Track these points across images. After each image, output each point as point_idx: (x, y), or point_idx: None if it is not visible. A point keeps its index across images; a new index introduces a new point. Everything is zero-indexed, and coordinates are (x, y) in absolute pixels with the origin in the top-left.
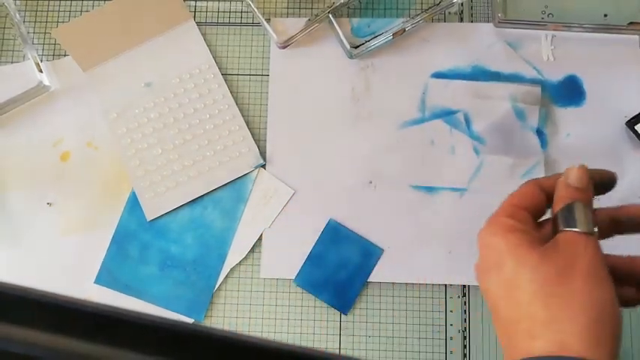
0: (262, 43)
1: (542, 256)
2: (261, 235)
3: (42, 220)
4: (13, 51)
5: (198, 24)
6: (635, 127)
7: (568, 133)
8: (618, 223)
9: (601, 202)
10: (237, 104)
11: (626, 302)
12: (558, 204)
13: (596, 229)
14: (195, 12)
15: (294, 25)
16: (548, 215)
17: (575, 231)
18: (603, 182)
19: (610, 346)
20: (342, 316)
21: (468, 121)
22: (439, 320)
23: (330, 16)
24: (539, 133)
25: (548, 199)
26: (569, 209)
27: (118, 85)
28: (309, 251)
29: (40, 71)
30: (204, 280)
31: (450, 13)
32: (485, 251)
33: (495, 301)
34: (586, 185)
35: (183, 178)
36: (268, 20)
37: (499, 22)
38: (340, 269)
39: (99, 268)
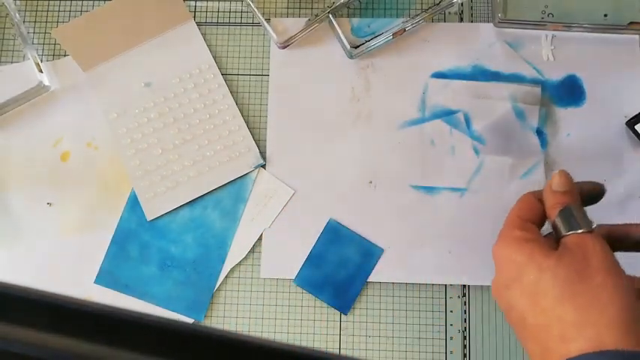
0: (262, 43)
1: (558, 260)
2: (261, 235)
3: (42, 220)
4: (13, 51)
5: (198, 24)
6: (635, 127)
7: (568, 133)
8: (617, 240)
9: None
10: (237, 104)
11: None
12: (552, 212)
13: (594, 225)
14: (195, 12)
15: (294, 25)
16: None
17: (577, 233)
18: (591, 193)
19: None
20: (342, 316)
21: (468, 121)
22: (439, 320)
23: (330, 16)
24: (539, 133)
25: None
26: (563, 214)
27: (118, 85)
28: (309, 251)
29: (40, 71)
30: (204, 280)
31: (450, 13)
32: (503, 266)
33: (521, 313)
34: (570, 188)
35: (183, 178)
36: (268, 20)
37: (499, 22)
38: (340, 269)
39: (99, 268)
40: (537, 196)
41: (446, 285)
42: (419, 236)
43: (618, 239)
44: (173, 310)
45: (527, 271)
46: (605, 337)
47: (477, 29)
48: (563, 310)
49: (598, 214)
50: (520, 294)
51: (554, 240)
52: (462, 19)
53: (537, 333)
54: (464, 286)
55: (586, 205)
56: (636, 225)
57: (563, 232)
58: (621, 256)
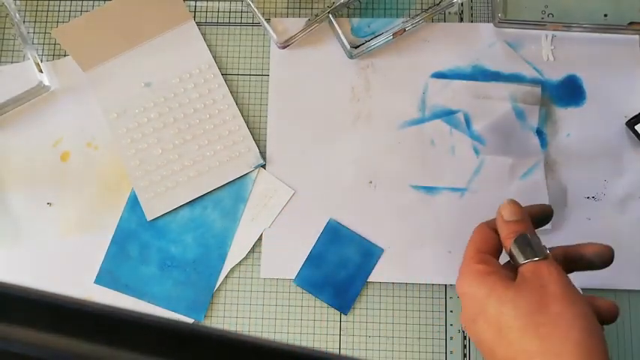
0: (262, 43)
1: (517, 291)
2: (261, 235)
3: (42, 220)
4: (13, 51)
5: (198, 24)
6: (635, 127)
7: (568, 133)
8: (572, 261)
9: (602, 202)
10: (237, 104)
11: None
12: (507, 242)
13: (548, 251)
14: (195, 12)
15: (294, 25)
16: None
17: (534, 261)
18: (541, 216)
19: (604, 355)
20: (342, 316)
21: (468, 121)
22: (439, 320)
23: (330, 16)
24: (539, 133)
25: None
26: (518, 243)
27: (118, 85)
28: (309, 251)
29: (40, 71)
30: (204, 280)
31: (450, 13)
32: (467, 301)
33: (490, 346)
34: (522, 216)
35: (183, 178)
36: (268, 20)
37: (499, 22)
38: (340, 269)
39: (99, 268)
40: (492, 226)
41: (446, 285)
42: (419, 236)
43: (573, 260)
44: (173, 310)
45: (490, 304)
46: None
47: (477, 29)
48: (528, 342)
49: (598, 214)
50: (486, 328)
51: (512, 269)
52: (462, 19)
53: None
54: None
55: (537, 228)
56: (587, 245)
57: (520, 261)
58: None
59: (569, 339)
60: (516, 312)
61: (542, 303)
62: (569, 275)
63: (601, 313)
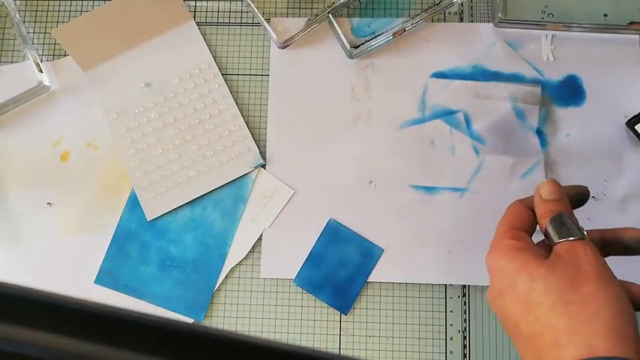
0: (262, 43)
1: (550, 268)
2: (261, 235)
3: (42, 220)
4: (13, 51)
5: (198, 24)
6: (635, 127)
7: (568, 133)
8: (608, 244)
9: (602, 202)
10: (237, 104)
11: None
12: (543, 220)
13: (585, 232)
14: (195, 12)
15: (294, 25)
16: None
17: (569, 240)
18: (577, 197)
19: (634, 339)
20: (342, 316)
21: (468, 121)
22: (439, 320)
23: (330, 16)
24: (539, 133)
25: (535, 215)
26: (555, 222)
27: (118, 85)
28: (309, 251)
29: (40, 71)
30: (204, 280)
31: (450, 13)
32: (497, 275)
33: (515, 322)
34: (560, 196)
35: (183, 178)
36: (268, 20)
37: (499, 22)
38: (340, 269)
39: (99, 268)
40: (526, 204)
41: (446, 285)
42: (419, 236)
43: (609, 244)
44: (173, 310)
45: (520, 280)
46: (597, 344)
47: (477, 29)
48: (556, 318)
49: (598, 214)
50: (513, 303)
51: (546, 248)
52: (462, 19)
53: (531, 340)
54: (464, 286)
55: (574, 209)
56: (626, 229)
57: (555, 239)
58: (620, 260)
59: (599, 319)
60: (547, 288)
61: (575, 282)
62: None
63: (635, 299)
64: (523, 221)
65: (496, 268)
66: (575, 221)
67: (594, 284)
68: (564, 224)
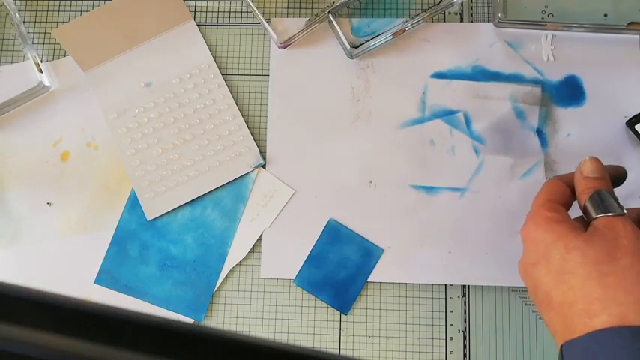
0: (262, 43)
1: (587, 240)
2: (261, 235)
3: (42, 220)
4: (13, 51)
5: (198, 24)
6: (635, 127)
7: (568, 133)
8: None
9: None
10: (237, 104)
11: None
12: (583, 196)
13: (624, 210)
14: (195, 12)
15: (294, 25)
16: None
17: (608, 216)
18: (614, 178)
19: None
20: (342, 316)
21: (468, 121)
22: (439, 320)
23: (330, 16)
24: (539, 133)
25: (572, 192)
26: (595, 198)
27: (118, 85)
28: (309, 251)
29: (40, 71)
30: (204, 280)
31: (450, 13)
32: (532, 245)
33: (547, 290)
34: (602, 174)
35: (183, 178)
36: (268, 20)
37: (499, 22)
38: (340, 269)
39: (99, 268)
40: (564, 181)
41: (446, 285)
42: (419, 236)
43: None
44: (173, 310)
45: (555, 249)
46: (630, 314)
47: (477, 29)
48: (590, 288)
49: None
50: (547, 271)
51: (584, 224)
52: (462, 19)
53: (562, 309)
54: (464, 286)
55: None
56: None
57: (594, 214)
58: None
59: (634, 292)
60: (583, 259)
61: (612, 254)
62: None
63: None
64: (560, 196)
65: (531, 239)
66: (615, 199)
67: (632, 257)
68: (604, 200)
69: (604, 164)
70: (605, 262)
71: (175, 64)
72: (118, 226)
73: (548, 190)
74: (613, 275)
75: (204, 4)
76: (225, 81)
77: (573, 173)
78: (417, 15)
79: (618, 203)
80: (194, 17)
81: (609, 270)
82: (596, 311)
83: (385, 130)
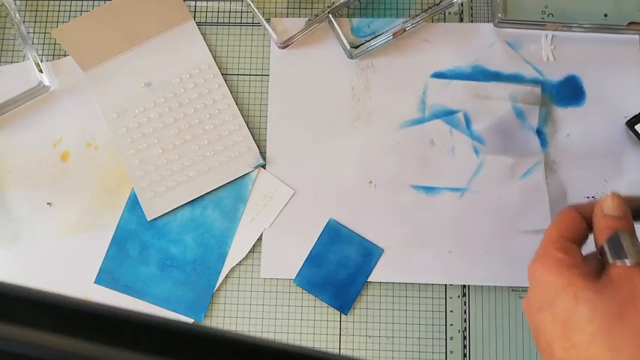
0: (262, 43)
1: (598, 293)
2: (261, 235)
3: (42, 220)
4: (13, 51)
5: (198, 24)
6: (635, 127)
7: (568, 133)
8: None
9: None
10: (237, 104)
11: None
12: (601, 236)
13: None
14: (195, 12)
15: (294, 25)
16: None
17: (626, 264)
18: (637, 210)
19: None
20: (342, 316)
21: (467, 121)
22: (439, 320)
23: (330, 16)
24: (539, 133)
25: (588, 225)
26: (613, 240)
27: (118, 85)
28: (309, 251)
29: (40, 71)
30: (204, 280)
31: (450, 13)
32: (539, 287)
33: (549, 341)
34: (624, 213)
35: (183, 178)
36: (268, 20)
37: (499, 22)
38: (340, 269)
39: (99, 268)
40: (580, 211)
41: (446, 285)
42: (419, 236)
43: None
44: (173, 310)
45: (564, 297)
46: None
47: (477, 29)
48: (596, 350)
49: None
50: (552, 319)
51: (598, 262)
52: (462, 19)
53: None
54: (464, 286)
55: (635, 221)
56: None
57: (610, 260)
58: None
59: None
60: (592, 315)
61: (626, 313)
62: None
63: None
64: (575, 231)
65: (539, 280)
66: (635, 242)
67: None
68: (622, 244)
69: (630, 196)
70: (616, 321)
71: (175, 64)
72: (118, 226)
73: (562, 224)
74: (624, 339)
75: (204, 4)
76: (225, 81)
77: (592, 204)
78: (417, 15)
79: (639, 249)
80: (194, 17)
81: (620, 333)
82: None
83: (385, 130)
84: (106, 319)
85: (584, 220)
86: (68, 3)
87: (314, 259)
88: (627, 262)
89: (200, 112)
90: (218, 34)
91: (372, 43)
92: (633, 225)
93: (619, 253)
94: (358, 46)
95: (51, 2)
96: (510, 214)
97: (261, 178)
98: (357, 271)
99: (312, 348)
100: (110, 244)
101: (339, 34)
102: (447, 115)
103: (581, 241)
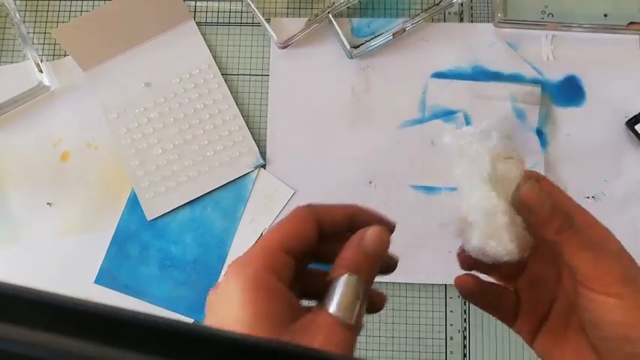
0: (262, 43)
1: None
2: (261, 235)
3: (42, 220)
4: (13, 51)
5: (198, 24)
6: (635, 127)
7: (568, 133)
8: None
9: (602, 202)
10: (237, 104)
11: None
12: (339, 269)
13: (357, 323)
14: (195, 12)
15: (294, 25)
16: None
17: (331, 314)
18: (388, 264)
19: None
20: None
21: (468, 121)
22: (439, 320)
23: (330, 16)
24: (539, 133)
25: (323, 229)
26: (345, 282)
27: (118, 85)
28: None
29: (40, 71)
30: (204, 280)
31: (450, 13)
32: (217, 302)
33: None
34: (380, 253)
35: (183, 178)
36: (268, 20)
37: (499, 22)
38: None
39: (99, 268)
40: (319, 214)
41: (446, 285)
42: (419, 236)
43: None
44: (173, 310)
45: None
46: None
47: (477, 29)
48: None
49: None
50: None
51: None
52: (462, 19)
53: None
54: None
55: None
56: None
57: (326, 299)
58: None
59: None
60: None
61: None
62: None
63: (374, 302)
64: (299, 240)
65: (222, 293)
66: (363, 300)
67: None
68: (346, 291)
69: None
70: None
71: (175, 64)
72: (118, 226)
73: (288, 225)
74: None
75: (204, 4)
76: (225, 81)
77: (338, 207)
78: (417, 15)
79: (359, 308)
80: (194, 17)
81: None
82: None
83: (385, 130)
84: (106, 319)
85: (318, 225)
86: (68, 3)
87: None
88: (333, 312)
89: (200, 112)
90: (218, 34)
91: (372, 43)
92: (374, 275)
93: (335, 297)
94: (358, 46)
95: (51, 2)
96: None
97: (261, 178)
98: None
99: (312, 348)
100: (110, 244)
101: (339, 34)
102: (447, 115)
103: (305, 249)
